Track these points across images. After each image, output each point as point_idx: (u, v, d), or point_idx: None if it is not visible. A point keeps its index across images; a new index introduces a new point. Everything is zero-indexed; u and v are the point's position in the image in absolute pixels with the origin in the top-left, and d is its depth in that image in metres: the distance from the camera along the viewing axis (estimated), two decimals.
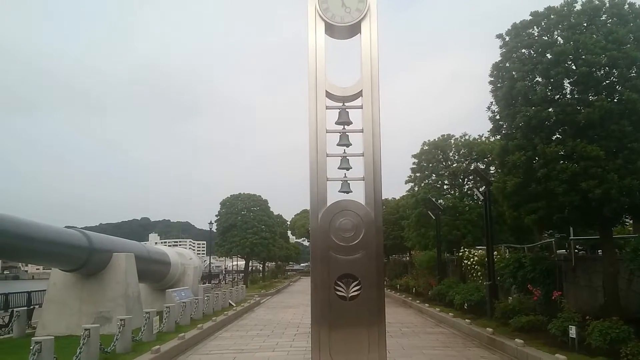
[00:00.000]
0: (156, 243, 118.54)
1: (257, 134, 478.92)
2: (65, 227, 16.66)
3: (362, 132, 7.72)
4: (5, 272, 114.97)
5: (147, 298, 20.00)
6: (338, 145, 7.87)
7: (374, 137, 7.61)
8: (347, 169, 7.78)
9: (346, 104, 7.98)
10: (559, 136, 12.34)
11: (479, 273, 20.24)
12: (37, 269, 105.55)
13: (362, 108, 7.79)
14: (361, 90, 7.79)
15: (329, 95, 7.81)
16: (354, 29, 7.99)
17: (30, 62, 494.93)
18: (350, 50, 8.28)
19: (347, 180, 7.73)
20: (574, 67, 11.98)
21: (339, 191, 7.73)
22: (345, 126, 7.93)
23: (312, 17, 7.95)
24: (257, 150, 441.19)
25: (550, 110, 12.10)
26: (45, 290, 16.49)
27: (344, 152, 7.83)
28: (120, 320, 11.56)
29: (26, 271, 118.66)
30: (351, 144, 7.88)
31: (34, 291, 19.83)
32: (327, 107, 7.79)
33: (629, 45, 11.51)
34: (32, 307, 17.80)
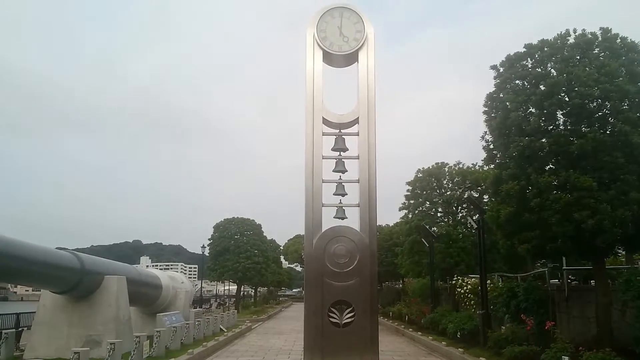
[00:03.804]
0: (147, 266, 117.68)
1: (251, 158, 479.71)
2: (57, 248, 16.53)
3: (358, 158, 7.79)
4: None
5: (138, 322, 19.74)
6: (334, 171, 7.94)
7: (370, 163, 7.68)
8: (343, 195, 7.82)
9: (342, 131, 8.07)
10: (552, 166, 12.45)
11: (472, 302, 20.15)
12: (26, 291, 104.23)
13: (358, 135, 7.88)
14: (357, 118, 7.89)
15: (325, 121, 7.90)
16: (351, 58, 8.12)
17: (19, 85, 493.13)
18: (348, 78, 8.39)
19: (342, 207, 7.77)
20: (567, 99, 12.15)
21: (334, 217, 7.77)
22: (342, 152, 8.01)
23: (310, 45, 8.08)
24: (252, 175, 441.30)
25: (543, 140, 12.23)
26: (34, 312, 16.27)
27: (340, 179, 7.89)
28: (110, 344, 11.43)
29: (15, 292, 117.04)
30: (347, 171, 7.95)
31: (23, 313, 19.55)
32: (324, 134, 7.87)
33: (621, 79, 11.70)
34: (20, 329, 17.51)
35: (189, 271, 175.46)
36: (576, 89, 11.78)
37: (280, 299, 76.12)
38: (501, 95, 13.54)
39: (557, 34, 12.95)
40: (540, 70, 12.96)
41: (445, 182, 27.79)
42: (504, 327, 15.14)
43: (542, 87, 12.50)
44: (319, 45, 8.03)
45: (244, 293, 58.17)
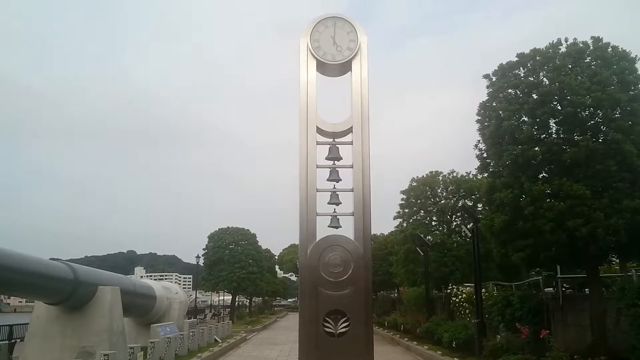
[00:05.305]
0: (142, 276, 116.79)
1: (246, 167, 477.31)
2: (50, 259, 16.41)
3: (352, 167, 7.79)
4: None
5: (132, 333, 19.60)
6: (328, 180, 7.93)
7: (364, 172, 7.68)
8: (337, 204, 7.81)
9: (336, 140, 8.08)
10: (545, 175, 12.52)
11: (467, 310, 20.14)
12: (19, 302, 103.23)
13: (352, 144, 7.88)
14: (351, 127, 7.90)
15: (319, 131, 7.90)
16: (344, 67, 8.14)
17: (15, 90, 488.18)
18: (341, 87, 8.42)
19: (336, 216, 7.76)
20: (559, 108, 12.24)
21: (328, 226, 7.74)
22: (336, 162, 8.01)
23: (303, 55, 8.11)
24: (246, 184, 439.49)
25: (536, 149, 12.31)
26: (27, 323, 16.14)
27: (334, 188, 7.88)
28: (104, 355, 11.35)
29: (8, 304, 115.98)
30: (341, 180, 7.94)
31: (16, 324, 19.40)
32: (318, 143, 7.87)
33: (612, 87, 11.80)
34: (13, 340, 17.37)
35: (184, 281, 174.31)
36: (568, 97, 11.88)
37: (275, 309, 75.91)
38: (494, 104, 13.62)
39: (549, 43, 13.07)
40: (532, 79, 13.05)
41: (439, 190, 27.90)
42: (499, 336, 15.12)
43: (534, 96, 12.59)
44: (312, 54, 8.06)
45: (238, 303, 57.96)
